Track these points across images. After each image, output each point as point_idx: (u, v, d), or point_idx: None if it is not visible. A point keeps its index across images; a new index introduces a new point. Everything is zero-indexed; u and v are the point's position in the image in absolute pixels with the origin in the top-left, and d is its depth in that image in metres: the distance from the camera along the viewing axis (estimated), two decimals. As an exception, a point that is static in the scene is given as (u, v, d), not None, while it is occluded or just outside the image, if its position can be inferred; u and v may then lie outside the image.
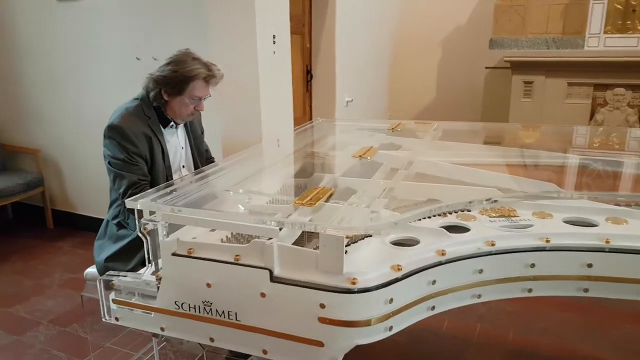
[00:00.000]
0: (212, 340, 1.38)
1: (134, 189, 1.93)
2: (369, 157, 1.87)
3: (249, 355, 1.40)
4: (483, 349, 2.41)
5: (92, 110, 3.63)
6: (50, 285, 3.08)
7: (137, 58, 3.42)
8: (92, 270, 2.34)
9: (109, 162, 2.01)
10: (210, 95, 2.17)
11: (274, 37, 3.55)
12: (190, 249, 1.36)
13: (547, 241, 1.42)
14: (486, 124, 4.37)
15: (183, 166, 2.27)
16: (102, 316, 1.53)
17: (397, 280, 1.27)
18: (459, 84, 5.84)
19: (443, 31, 5.88)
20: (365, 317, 1.23)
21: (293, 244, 1.34)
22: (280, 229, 1.31)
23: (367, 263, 1.31)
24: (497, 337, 2.49)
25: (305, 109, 4.86)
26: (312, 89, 4.90)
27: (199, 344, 1.49)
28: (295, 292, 1.25)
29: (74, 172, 3.91)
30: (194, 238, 1.45)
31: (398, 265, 1.28)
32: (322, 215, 1.39)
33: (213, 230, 1.52)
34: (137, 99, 2.10)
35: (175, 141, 2.20)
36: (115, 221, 2.08)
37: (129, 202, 1.40)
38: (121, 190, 1.94)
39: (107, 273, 1.51)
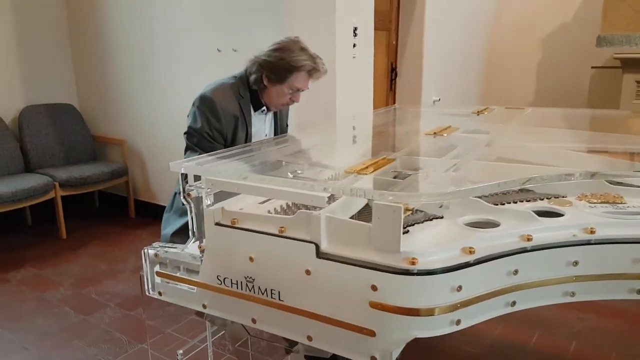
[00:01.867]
0: (254, 321, 1.23)
1: None
2: (444, 134, 1.65)
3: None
4: (578, 371, 2.07)
5: (175, 102, 3.70)
6: (124, 271, 3.13)
7: (218, 50, 3.44)
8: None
9: (187, 132, 1.98)
10: (309, 89, 2.08)
11: (354, 29, 3.42)
12: (234, 218, 1.23)
13: (666, 232, 1.13)
14: (595, 110, 3.91)
15: None
16: (146, 290, 1.44)
17: (467, 265, 1.05)
18: (561, 86, 5.36)
19: (544, 30, 5.44)
20: (426, 305, 1.03)
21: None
22: (329, 200, 1.14)
23: (432, 243, 1.10)
24: (596, 359, 2.13)
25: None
26: (396, 87, 4.70)
27: (243, 326, 1.35)
28: (343, 270, 1.07)
29: (156, 163, 4.00)
30: (241, 209, 1.32)
31: (470, 248, 1.06)
32: (378, 185, 1.20)
33: (263, 202, 1.38)
34: (236, 77, 2.06)
35: (262, 127, 2.14)
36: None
37: (173, 165, 1.30)
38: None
39: (152, 244, 1.43)
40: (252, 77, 1.99)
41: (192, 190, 1.29)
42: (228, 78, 2.07)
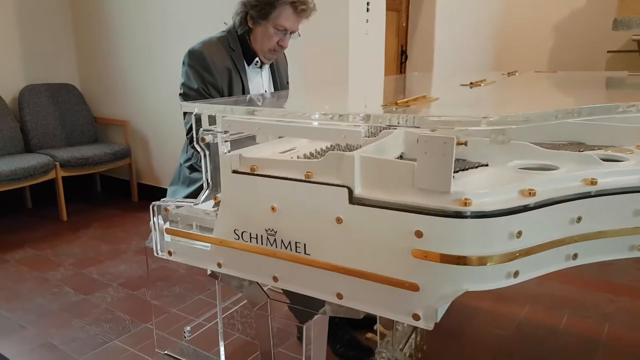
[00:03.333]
0: (275, 279, 1.09)
1: None
2: (481, 84, 1.50)
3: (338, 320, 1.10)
4: (616, 353, 1.92)
5: (178, 83, 3.56)
6: (126, 252, 2.99)
7: (224, 23, 3.29)
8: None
9: (181, 93, 1.85)
10: (299, 35, 1.92)
11: (367, 4, 3.29)
12: (254, 165, 1.09)
13: None
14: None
15: None
16: (155, 251, 1.31)
17: (528, 208, 0.91)
18: (576, 70, 5.21)
19: (556, 15, 5.29)
20: (480, 253, 0.89)
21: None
22: (365, 137, 1.00)
23: (484, 185, 0.96)
24: (634, 342, 1.99)
25: (397, 91, 4.53)
26: (406, 70, 4.55)
27: (262, 289, 1.21)
28: (381, 216, 0.93)
29: (159, 146, 3.87)
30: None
31: (530, 190, 0.92)
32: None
33: (284, 152, 1.24)
34: (224, 31, 1.92)
35: (259, 82, 2.00)
36: (187, 164, 1.89)
37: (185, 106, 1.16)
38: (189, 125, 1.75)
39: (162, 200, 1.29)
40: (237, 19, 1.85)
41: (207, 135, 1.15)
42: (217, 33, 1.93)
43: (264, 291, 1.22)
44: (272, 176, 1.06)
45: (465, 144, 0.90)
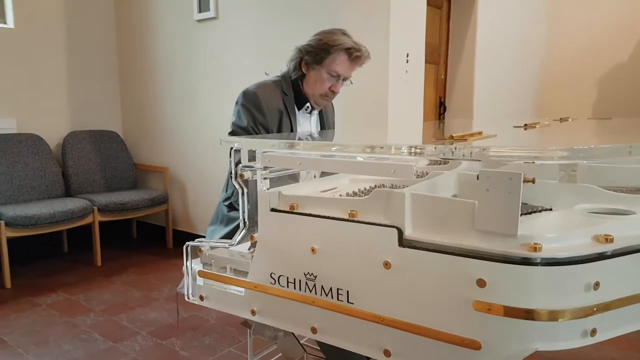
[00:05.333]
0: (314, 330, 0.99)
1: None
2: (536, 126, 1.41)
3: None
4: None
5: (219, 131, 3.59)
6: (157, 299, 2.92)
7: (265, 73, 3.34)
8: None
9: (231, 131, 1.85)
10: (351, 82, 1.94)
11: (407, 55, 3.28)
12: (294, 203, 1.02)
13: None
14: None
15: None
16: (186, 296, 1.23)
17: (605, 256, 0.79)
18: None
19: (600, 68, 5.18)
20: (551, 307, 0.77)
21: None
22: (417, 176, 0.92)
23: (553, 228, 0.85)
24: None
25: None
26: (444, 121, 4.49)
27: (299, 341, 1.10)
28: (436, 261, 0.83)
29: (197, 192, 3.87)
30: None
31: (607, 236, 0.81)
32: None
33: (326, 191, 1.17)
34: (279, 75, 1.95)
35: (307, 127, 2.00)
36: (226, 202, 1.85)
37: (226, 140, 1.11)
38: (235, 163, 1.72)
39: (196, 240, 1.22)
40: (292, 65, 1.88)
41: (246, 171, 1.09)
42: (271, 77, 1.96)
43: (301, 344, 1.11)
44: (312, 215, 0.98)
45: (533, 181, 0.80)
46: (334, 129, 2.17)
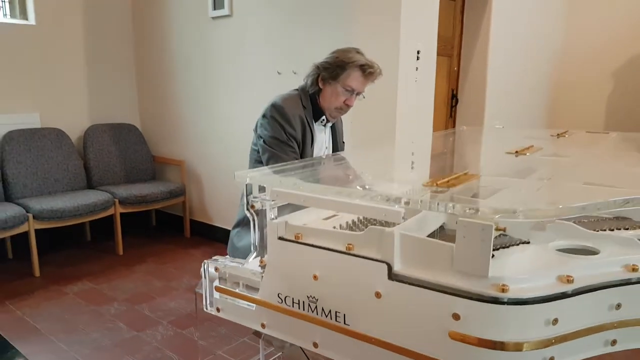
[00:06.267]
0: (315, 345, 1.14)
1: None
2: (527, 153, 1.52)
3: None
4: None
5: (234, 125, 3.73)
6: (177, 288, 3.11)
7: (278, 72, 3.45)
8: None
9: (264, 141, 1.98)
10: (364, 97, 2.09)
11: (418, 52, 3.35)
12: (299, 233, 1.15)
13: None
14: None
15: None
16: (204, 306, 1.38)
17: (565, 295, 0.92)
18: (636, 120, 5.05)
19: (614, 62, 5.17)
20: (515, 339, 0.90)
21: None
22: (404, 217, 1.04)
23: (522, 269, 0.98)
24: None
25: (447, 135, 4.53)
26: (456, 114, 4.57)
27: (302, 350, 1.25)
28: (420, 294, 0.96)
29: (213, 184, 4.03)
30: (305, 225, 1.24)
31: (568, 276, 0.93)
32: (461, 202, 1.08)
33: (328, 218, 1.30)
34: (297, 89, 2.10)
35: (323, 137, 2.16)
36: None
37: (239, 175, 1.24)
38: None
39: (213, 258, 1.37)
40: (309, 80, 2.04)
41: (256, 201, 1.23)
42: (290, 90, 2.11)
43: (305, 353, 1.26)
44: (314, 245, 1.12)
45: (504, 230, 0.92)
46: (343, 137, 2.30)
